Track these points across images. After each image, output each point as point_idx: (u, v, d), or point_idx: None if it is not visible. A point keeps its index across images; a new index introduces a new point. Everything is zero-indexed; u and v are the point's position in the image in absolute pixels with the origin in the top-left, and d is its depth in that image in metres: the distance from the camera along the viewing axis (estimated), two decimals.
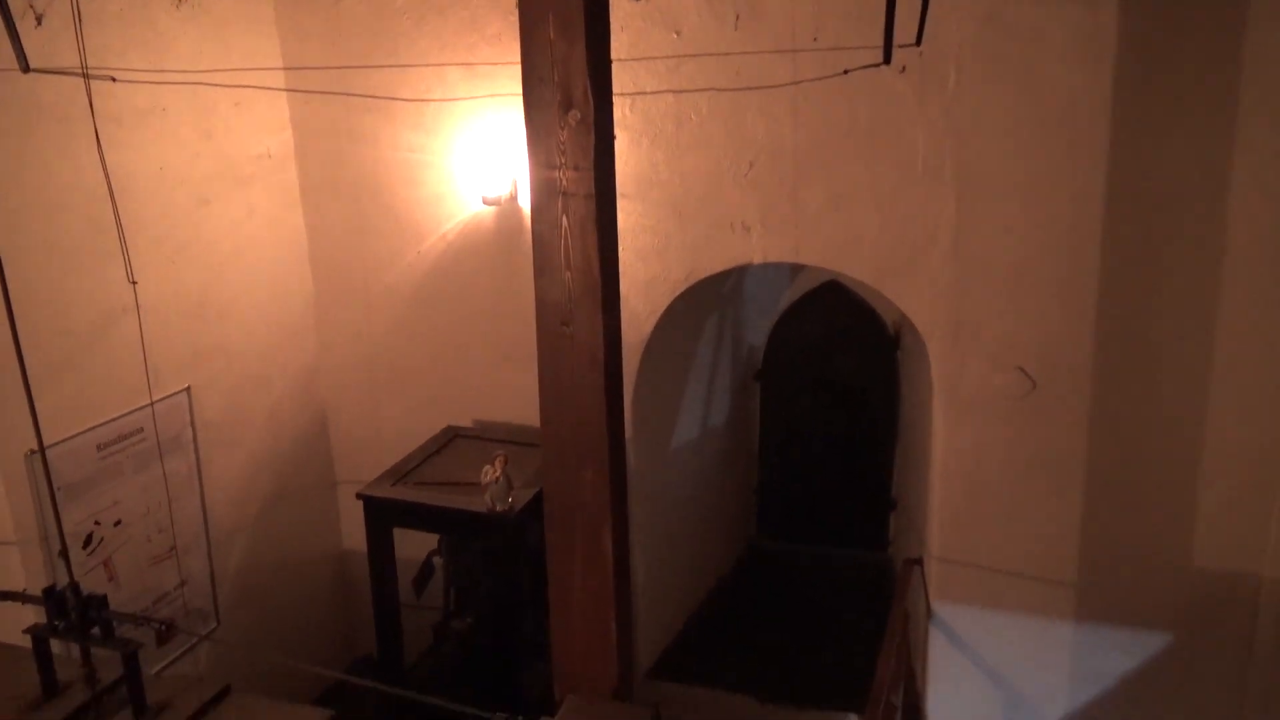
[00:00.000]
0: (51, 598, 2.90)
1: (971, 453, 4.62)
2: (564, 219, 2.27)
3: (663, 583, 5.66)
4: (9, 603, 2.94)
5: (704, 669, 5.63)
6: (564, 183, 2.26)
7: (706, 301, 5.64)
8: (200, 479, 4.88)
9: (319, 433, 5.69)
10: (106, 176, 3.33)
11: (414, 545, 4.96)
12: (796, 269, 6.21)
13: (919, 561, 5.21)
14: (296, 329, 5.45)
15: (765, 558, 6.75)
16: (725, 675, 5.55)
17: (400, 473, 4.74)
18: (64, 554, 2.87)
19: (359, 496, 4.61)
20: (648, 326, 4.95)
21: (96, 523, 4.36)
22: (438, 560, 4.88)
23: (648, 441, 5.29)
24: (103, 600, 2.92)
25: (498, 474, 4.33)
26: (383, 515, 4.58)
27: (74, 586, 2.91)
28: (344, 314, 5.53)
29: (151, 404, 4.46)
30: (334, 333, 5.57)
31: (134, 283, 3.54)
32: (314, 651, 5.40)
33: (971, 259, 4.35)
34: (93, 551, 4.36)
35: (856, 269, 4.57)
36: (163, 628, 2.86)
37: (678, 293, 4.87)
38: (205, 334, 4.85)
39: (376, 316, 5.45)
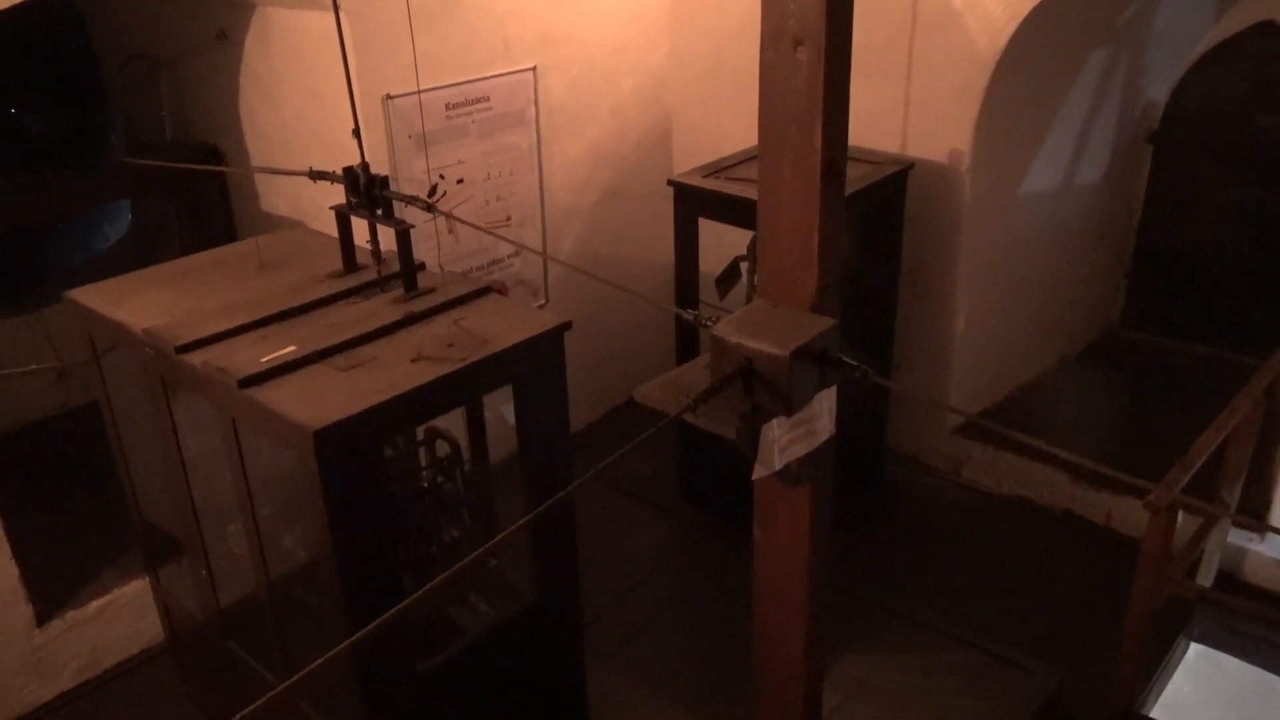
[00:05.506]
0: (349, 176, 3.24)
1: None
2: None
3: (988, 340, 5.24)
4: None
5: (1017, 440, 5.20)
6: None
7: (1092, 31, 4.87)
8: (540, 158, 5.15)
9: (662, 139, 5.75)
10: None
11: (727, 252, 4.93)
12: (1220, 6, 5.16)
13: None
14: (649, 28, 5.45)
15: (1125, 349, 6.01)
16: (1039, 449, 5.10)
17: (716, 168, 4.70)
18: (356, 133, 3.17)
19: (669, 183, 4.65)
20: (1004, 35, 4.38)
21: (441, 176, 4.77)
22: (744, 265, 4.84)
23: (990, 177, 4.79)
24: (384, 180, 3.22)
25: None
26: (689, 202, 4.60)
27: (364, 165, 3.23)
28: (697, 17, 5.44)
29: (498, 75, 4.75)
30: (686, 36, 5.52)
31: None
32: (638, 347, 5.65)
33: None
34: (436, 202, 4.79)
35: None
36: (429, 204, 3.11)
37: None
38: (557, 17, 4.99)
39: (729, 19, 5.30)
